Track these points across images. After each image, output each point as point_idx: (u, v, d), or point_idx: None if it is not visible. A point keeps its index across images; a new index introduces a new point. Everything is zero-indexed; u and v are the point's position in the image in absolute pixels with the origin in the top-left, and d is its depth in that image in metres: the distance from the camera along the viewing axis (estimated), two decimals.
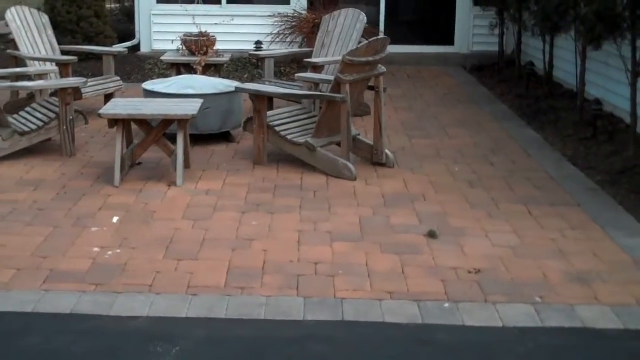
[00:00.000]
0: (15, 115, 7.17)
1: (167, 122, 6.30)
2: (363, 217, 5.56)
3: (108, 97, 8.59)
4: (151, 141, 6.40)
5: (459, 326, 4.06)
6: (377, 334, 3.98)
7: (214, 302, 4.26)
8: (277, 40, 11.48)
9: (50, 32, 8.82)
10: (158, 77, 10.49)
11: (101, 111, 6.26)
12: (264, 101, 6.63)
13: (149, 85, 7.60)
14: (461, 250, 4.97)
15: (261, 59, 9.29)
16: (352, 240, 5.13)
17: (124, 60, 11.08)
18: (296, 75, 7.63)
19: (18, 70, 8.08)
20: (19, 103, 8.47)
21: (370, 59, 6.29)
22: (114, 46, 11.30)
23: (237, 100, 7.46)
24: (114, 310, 4.17)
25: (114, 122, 6.26)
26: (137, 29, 12.24)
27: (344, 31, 8.38)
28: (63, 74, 8.15)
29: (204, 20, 11.08)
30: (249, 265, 4.73)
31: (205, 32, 9.09)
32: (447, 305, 4.26)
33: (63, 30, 11.23)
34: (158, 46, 11.90)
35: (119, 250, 4.93)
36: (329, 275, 4.59)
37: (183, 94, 7.20)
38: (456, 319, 4.12)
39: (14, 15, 8.56)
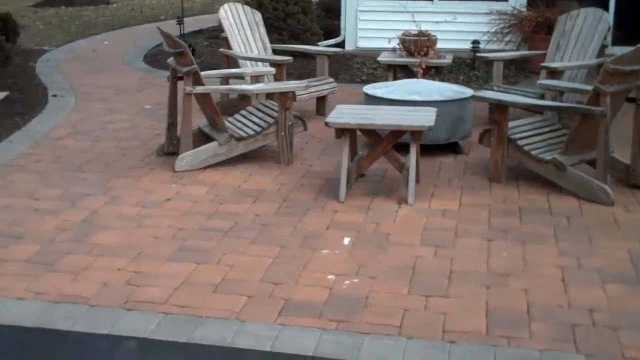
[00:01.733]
0: (230, 119, 6.80)
1: (397, 132, 5.72)
2: (633, 251, 4.75)
3: (320, 100, 8.19)
4: (380, 153, 5.84)
5: None
6: None
7: (477, 353, 3.63)
8: (494, 39, 10.69)
9: (263, 30, 8.46)
10: (367, 77, 10.00)
11: (328, 119, 5.75)
12: (505, 112, 5.90)
13: (370, 89, 7.02)
14: None
15: (488, 62, 8.57)
16: (628, 282, 4.35)
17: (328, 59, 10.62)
18: (539, 82, 6.83)
19: (234, 70, 7.75)
20: (230, 103, 8.17)
21: (636, 67, 5.45)
22: (319, 43, 10.93)
23: (467, 107, 6.78)
24: (362, 355, 3.63)
25: (340, 131, 5.73)
26: (342, 25, 11.78)
27: (582, 32, 7.52)
28: (277, 75, 7.76)
29: (417, 17, 10.46)
30: (510, 307, 4.06)
31: (426, 31, 8.44)
32: None
33: (269, 27, 10.87)
34: (363, 43, 11.42)
35: (356, 280, 4.39)
36: (610, 327, 3.86)
37: (408, 100, 6.59)
38: None
39: (227, 12, 8.23)
